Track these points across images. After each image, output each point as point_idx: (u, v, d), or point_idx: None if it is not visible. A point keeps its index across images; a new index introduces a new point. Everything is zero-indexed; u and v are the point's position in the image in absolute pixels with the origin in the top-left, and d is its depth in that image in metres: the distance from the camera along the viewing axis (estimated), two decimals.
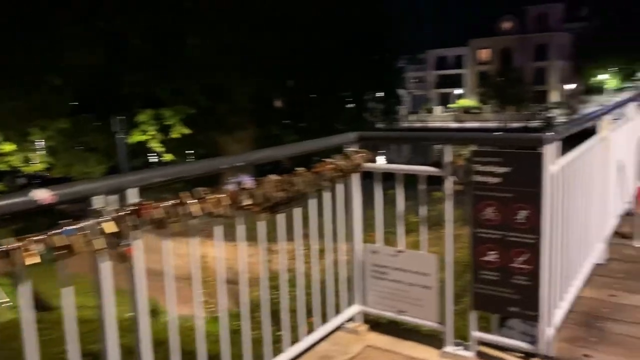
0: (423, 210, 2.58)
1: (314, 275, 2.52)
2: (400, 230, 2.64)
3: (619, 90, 57.42)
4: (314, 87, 20.69)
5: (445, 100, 60.85)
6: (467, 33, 59.72)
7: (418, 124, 51.87)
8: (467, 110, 55.29)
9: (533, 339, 2.40)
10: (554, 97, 54.51)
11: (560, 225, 2.52)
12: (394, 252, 2.64)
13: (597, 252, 3.51)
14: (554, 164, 2.31)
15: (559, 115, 38.89)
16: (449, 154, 2.41)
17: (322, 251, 2.58)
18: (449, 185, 2.44)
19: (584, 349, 2.52)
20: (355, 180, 2.70)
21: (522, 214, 2.27)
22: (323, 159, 2.48)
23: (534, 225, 2.25)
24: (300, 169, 2.32)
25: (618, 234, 4.11)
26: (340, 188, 2.60)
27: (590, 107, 49.54)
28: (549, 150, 2.21)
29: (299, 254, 2.41)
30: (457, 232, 2.56)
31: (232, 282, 2.18)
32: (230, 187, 1.93)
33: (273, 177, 2.08)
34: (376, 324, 2.81)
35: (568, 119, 37.74)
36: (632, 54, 53.97)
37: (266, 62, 16.92)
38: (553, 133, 2.23)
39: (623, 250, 3.85)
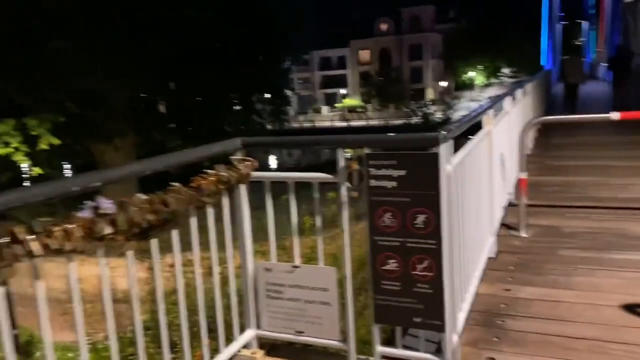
0: (318, 221, 2.37)
1: (200, 302, 2.20)
2: (296, 244, 2.41)
3: (487, 85, 62.38)
4: (199, 89, 19.96)
5: (331, 100, 62.20)
6: (348, 34, 61.52)
7: (307, 124, 52.45)
8: (352, 110, 56.94)
9: (438, 347, 2.28)
10: (430, 94, 57.90)
11: (458, 226, 2.44)
12: (289, 268, 2.40)
13: (489, 246, 3.54)
14: (449, 163, 2.21)
15: (436, 111, 41.26)
16: (341, 158, 2.22)
17: (208, 274, 2.28)
18: (343, 192, 2.25)
19: (488, 351, 2.46)
20: (244, 192, 2.43)
21: (420, 219, 2.13)
22: (205, 170, 2.18)
23: (433, 230, 2.12)
24: (175, 185, 1.99)
25: (504, 225, 4.23)
26: (227, 201, 2.31)
27: (463, 102, 53.35)
28: (444, 150, 2.09)
29: (180, 281, 2.09)
30: (355, 228, 2.40)
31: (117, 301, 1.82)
32: (85, 213, 1.56)
33: (140, 197, 1.74)
34: (273, 348, 2.55)
35: (444, 114, 40.24)
36: (496, 52, 58.82)
37: (146, 64, 15.98)
38: (446, 132, 2.12)
39: (510, 242, 3.95)
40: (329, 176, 2.27)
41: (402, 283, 2.21)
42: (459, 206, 2.47)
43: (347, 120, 52.54)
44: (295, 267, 2.40)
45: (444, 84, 60.53)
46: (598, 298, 2.92)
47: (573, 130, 8.49)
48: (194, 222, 2.12)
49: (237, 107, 21.89)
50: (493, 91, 59.88)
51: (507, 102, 4.82)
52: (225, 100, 21.23)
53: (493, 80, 63.66)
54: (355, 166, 2.20)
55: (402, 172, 2.12)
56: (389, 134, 2.11)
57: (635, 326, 2.60)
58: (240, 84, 20.23)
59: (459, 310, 2.47)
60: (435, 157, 2.06)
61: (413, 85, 56.54)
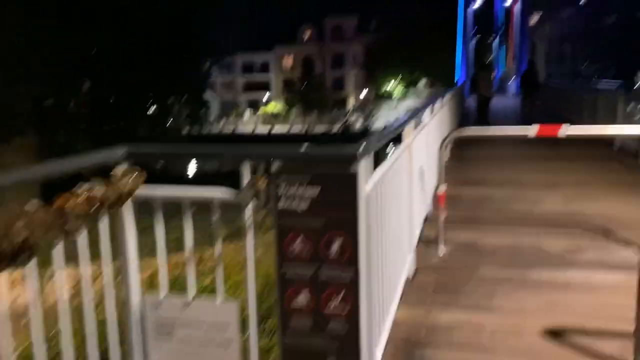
0: (218, 248, 2.03)
1: (66, 350, 1.79)
2: (191, 274, 2.04)
3: (404, 96, 64.39)
4: (113, 89, 18.83)
5: (253, 105, 61.50)
6: (272, 39, 61.23)
7: (228, 130, 51.46)
8: (274, 115, 56.60)
9: None
10: (352, 102, 58.83)
11: (377, 250, 2.19)
12: (183, 303, 2.03)
13: (407, 266, 3.35)
14: (368, 182, 1.95)
15: (357, 119, 41.84)
16: (246, 174, 1.89)
17: (79, 310, 1.86)
18: (248, 215, 1.92)
19: None
20: (128, 213, 2.03)
21: (335, 246, 1.85)
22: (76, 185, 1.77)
23: (350, 258, 1.84)
24: (32, 204, 1.58)
25: (422, 240, 4.07)
26: (105, 224, 1.91)
27: (382, 111, 54.62)
28: (363, 168, 1.83)
29: (37, 324, 1.67)
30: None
31: None
32: None
33: None
34: None
35: (364, 124, 40.87)
36: (414, 64, 60.82)
37: (52, 61, 14.80)
38: (364, 148, 1.85)
39: (429, 259, 3.79)
40: (232, 194, 1.94)
41: (313, 321, 1.91)
42: (378, 228, 2.22)
43: (269, 125, 52.11)
44: (190, 301, 2.03)
45: (364, 93, 61.75)
46: (521, 323, 2.78)
47: (487, 143, 8.67)
48: (58, 252, 1.71)
49: (152, 111, 20.87)
50: (410, 102, 61.91)
51: (426, 114, 4.71)
52: (141, 102, 20.20)
53: (411, 91, 65.79)
54: (263, 183, 1.88)
55: (315, 192, 1.83)
56: (303, 146, 1.81)
57: (559, 355, 2.46)
58: (157, 85, 19.33)
59: (376, 345, 2.21)
60: (353, 178, 1.78)
61: (335, 94, 57.18)
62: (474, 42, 42.25)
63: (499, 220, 4.73)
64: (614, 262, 3.60)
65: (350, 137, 35.20)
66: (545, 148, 8.34)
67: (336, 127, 37.80)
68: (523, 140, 8.37)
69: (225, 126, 52.06)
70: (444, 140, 3.92)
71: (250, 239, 1.94)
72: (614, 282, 3.28)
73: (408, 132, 3.26)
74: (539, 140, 8.81)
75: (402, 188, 3.02)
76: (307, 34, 61.88)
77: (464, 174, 6.84)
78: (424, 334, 2.70)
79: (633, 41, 43.73)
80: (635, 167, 7.15)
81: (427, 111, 4.85)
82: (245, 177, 1.90)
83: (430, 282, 3.37)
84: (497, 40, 48.86)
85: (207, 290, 3.85)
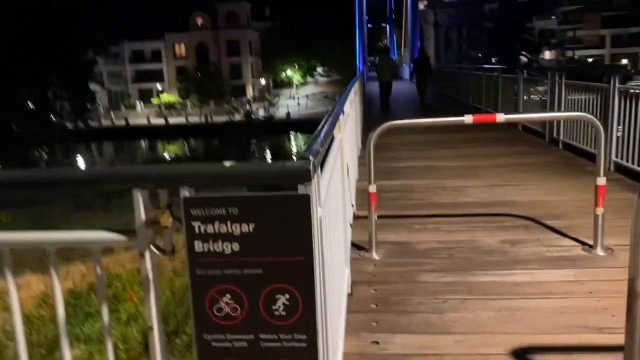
0: (105, 317, 1.39)
1: None
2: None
3: (303, 84, 64.34)
4: None
5: (146, 95, 58.30)
6: (162, 27, 58.24)
7: (120, 122, 48.27)
8: (169, 106, 53.99)
9: None
10: (250, 90, 57.68)
11: (328, 288, 1.67)
12: None
13: (346, 281, 2.87)
14: (321, 204, 1.42)
15: (258, 109, 40.93)
16: (140, 207, 1.28)
17: None
18: (147, 264, 1.31)
19: None
20: None
21: (281, 300, 1.30)
22: None
23: (302, 316, 1.31)
24: None
25: (353, 245, 3.63)
26: None
27: (282, 99, 54.08)
28: (316, 186, 1.29)
29: None
30: None
31: None
32: None
33: None
34: None
35: (267, 112, 40.12)
36: (310, 52, 60.86)
37: None
38: (315, 158, 1.32)
39: (364, 267, 3.35)
40: (122, 238, 1.32)
41: None
42: (327, 258, 1.70)
43: (164, 117, 49.62)
44: None
45: (263, 81, 60.82)
46: (481, 344, 2.41)
47: (402, 130, 8.42)
48: None
49: (30, 105, 18.76)
50: (310, 89, 61.95)
51: (347, 104, 4.26)
52: (15, 97, 18.03)
53: (309, 79, 65.92)
54: (167, 220, 1.28)
55: (249, 228, 1.27)
56: (225, 162, 1.24)
57: None
58: (33, 78, 17.34)
59: None
60: (304, 202, 1.24)
61: (232, 82, 55.61)
62: (368, 29, 42.89)
63: (426, 214, 4.41)
64: (555, 256, 3.38)
65: (254, 126, 34.31)
66: (456, 131, 8.29)
67: (238, 116, 36.53)
68: (437, 127, 8.26)
69: (116, 119, 48.73)
70: (373, 133, 3.48)
71: (152, 301, 1.33)
72: (563, 279, 3.03)
73: (339, 126, 2.77)
74: (448, 125, 8.79)
75: (338, 195, 2.52)
76: (199, 20, 59.56)
77: (383, 163, 6.51)
78: None
79: (514, 25, 46.76)
80: (544, 148, 7.25)
81: (348, 101, 4.40)
82: (139, 211, 1.29)
83: (371, 298, 2.92)
84: (389, 27, 50.13)
85: None
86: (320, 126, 1.99)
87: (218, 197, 1.26)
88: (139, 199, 1.28)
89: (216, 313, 1.31)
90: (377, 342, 2.47)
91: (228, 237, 1.27)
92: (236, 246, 1.28)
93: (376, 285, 3.10)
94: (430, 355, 2.33)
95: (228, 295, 1.30)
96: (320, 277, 1.31)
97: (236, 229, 1.27)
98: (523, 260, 3.34)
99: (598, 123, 3.42)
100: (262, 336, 1.32)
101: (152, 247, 1.32)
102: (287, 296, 1.30)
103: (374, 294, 2.98)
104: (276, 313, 1.30)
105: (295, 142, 43.88)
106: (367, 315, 2.74)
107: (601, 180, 3.32)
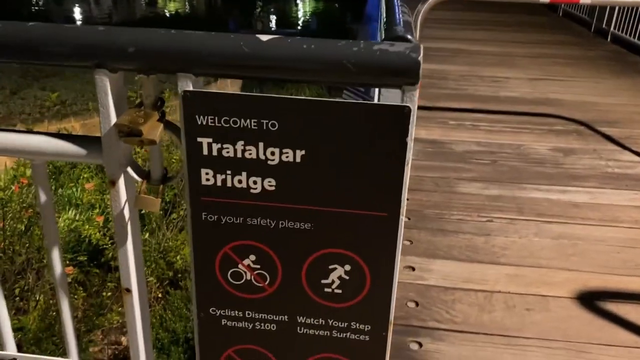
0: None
1: None
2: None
3: None
4: None
5: None
6: None
7: None
8: None
9: None
10: None
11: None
12: None
13: None
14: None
15: None
16: (110, 102, 0.73)
17: None
18: (121, 196, 0.80)
19: None
20: None
21: (337, 274, 0.81)
22: None
23: (368, 298, 0.83)
24: None
25: None
26: None
27: None
28: (416, 95, 0.74)
29: None
30: None
31: None
32: None
33: None
34: None
35: None
36: None
37: None
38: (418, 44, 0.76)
39: None
40: (80, 150, 0.78)
41: None
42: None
43: None
44: None
45: None
46: (538, 281, 1.99)
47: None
48: None
49: None
50: None
51: None
52: None
53: None
54: (154, 128, 0.74)
55: (295, 155, 0.73)
56: (260, 36, 0.68)
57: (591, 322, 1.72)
58: None
59: None
60: (403, 119, 0.69)
61: None
62: None
63: (462, 107, 3.84)
64: (617, 173, 2.89)
65: None
66: (490, 10, 7.41)
67: None
68: (458, 4, 7.34)
69: None
70: (422, 6, 2.80)
71: (128, 267, 0.84)
72: (631, 204, 2.57)
73: None
74: (478, 4, 7.85)
75: None
76: None
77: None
78: (412, 307, 1.84)
79: None
80: (589, 39, 6.46)
81: None
82: (106, 110, 0.74)
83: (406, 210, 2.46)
84: None
85: None
86: None
87: (244, 97, 0.71)
88: (107, 88, 0.73)
89: (231, 280, 0.83)
90: (412, 268, 2.06)
91: (258, 167, 0.74)
92: (271, 183, 0.75)
93: (407, 192, 2.63)
94: (478, 292, 1.93)
95: (252, 257, 0.81)
96: (400, 244, 0.81)
97: (273, 156, 0.73)
98: (580, 175, 2.86)
99: None
100: (300, 319, 0.84)
101: (129, 169, 0.79)
102: (348, 267, 0.80)
103: (408, 207, 2.52)
104: (327, 290, 0.82)
105: (305, 7, 40.68)
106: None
107: None
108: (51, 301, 2.89)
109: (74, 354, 0.91)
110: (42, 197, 0.82)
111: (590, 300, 1.91)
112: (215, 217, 0.79)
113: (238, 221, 0.79)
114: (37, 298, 2.88)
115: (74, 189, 3.69)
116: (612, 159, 3.06)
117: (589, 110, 3.86)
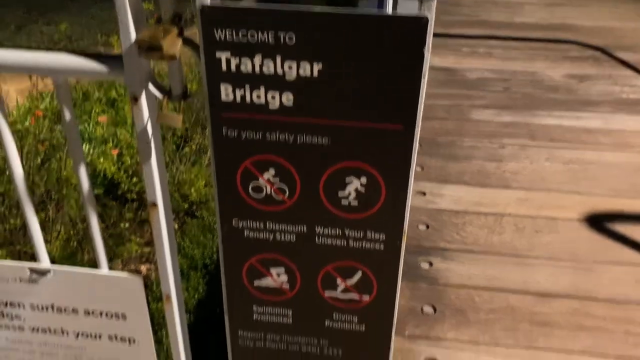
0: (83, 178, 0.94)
1: None
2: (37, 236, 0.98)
3: None
4: None
5: None
6: None
7: None
8: None
9: None
10: None
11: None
12: (27, 274, 1.01)
13: None
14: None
15: None
16: (129, 16, 0.74)
17: None
18: (144, 114, 0.82)
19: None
20: None
21: (354, 186, 0.84)
22: None
23: (384, 209, 0.86)
24: None
25: None
26: None
27: None
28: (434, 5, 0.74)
29: None
30: None
31: None
32: None
33: None
34: None
35: None
36: None
37: None
38: None
39: None
40: (101, 67, 0.80)
41: (297, 311, 0.99)
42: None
43: None
44: (44, 271, 1.01)
45: None
46: (549, 205, 2.03)
47: None
48: None
49: None
50: None
51: None
52: None
53: None
54: (174, 43, 0.75)
55: (312, 69, 0.75)
56: None
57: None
58: None
59: None
60: (420, 31, 0.70)
61: None
62: None
63: (476, 34, 3.75)
64: (631, 99, 2.86)
65: None
66: None
67: None
68: None
69: None
70: None
71: (154, 183, 0.87)
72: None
73: None
74: None
75: None
76: None
77: None
78: (425, 242, 1.89)
79: None
80: None
81: None
82: (126, 25, 0.75)
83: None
84: None
85: None
86: None
87: (263, 11, 0.71)
88: (125, 4, 0.73)
89: (252, 194, 0.86)
90: (424, 193, 2.10)
91: (276, 82, 0.76)
92: (289, 97, 0.77)
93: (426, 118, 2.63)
94: (489, 215, 1.97)
95: (272, 171, 0.84)
96: (415, 155, 0.83)
97: (291, 70, 0.75)
98: (594, 101, 2.83)
99: None
100: (318, 230, 0.88)
101: (150, 85, 0.81)
102: (364, 180, 0.83)
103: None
104: (344, 202, 0.85)
105: None
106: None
107: None
108: (71, 231, 3.00)
109: (104, 265, 0.97)
110: (67, 115, 0.84)
111: (599, 222, 1.95)
112: (235, 132, 0.81)
113: (257, 136, 0.81)
114: (59, 229, 2.98)
115: (86, 124, 3.72)
116: (628, 85, 3.01)
117: (606, 35, 3.75)
